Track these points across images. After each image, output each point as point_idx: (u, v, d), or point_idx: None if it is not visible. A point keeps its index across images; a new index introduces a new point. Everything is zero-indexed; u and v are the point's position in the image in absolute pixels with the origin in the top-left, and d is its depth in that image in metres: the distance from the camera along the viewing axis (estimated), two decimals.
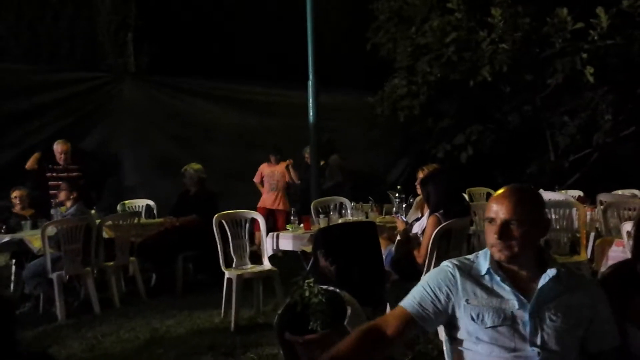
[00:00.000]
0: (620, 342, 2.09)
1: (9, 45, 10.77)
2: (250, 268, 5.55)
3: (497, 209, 2.07)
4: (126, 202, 8.17)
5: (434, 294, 2.09)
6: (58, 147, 7.36)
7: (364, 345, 1.98)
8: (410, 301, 2.10)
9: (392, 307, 4.80)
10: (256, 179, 9.19)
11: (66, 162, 7.37)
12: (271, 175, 9.03)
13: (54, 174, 7.36)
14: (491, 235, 2.06)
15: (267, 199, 9.02)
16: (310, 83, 8.10)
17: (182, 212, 7.03)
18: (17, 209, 6.72)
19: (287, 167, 8.98)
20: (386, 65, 10.69)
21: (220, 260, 5.44)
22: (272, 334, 4.44)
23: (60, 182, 6.69)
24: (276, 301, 5.55)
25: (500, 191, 2.13)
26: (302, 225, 5.94)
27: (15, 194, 6.76)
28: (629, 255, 4.52)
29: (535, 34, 9.27)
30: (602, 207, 6.30)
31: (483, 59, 9.29)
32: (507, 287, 2.06)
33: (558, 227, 5.81)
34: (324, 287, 3.43)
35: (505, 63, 9.16)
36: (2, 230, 6.19)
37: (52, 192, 7.12)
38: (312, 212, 6.73)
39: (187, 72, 10.57)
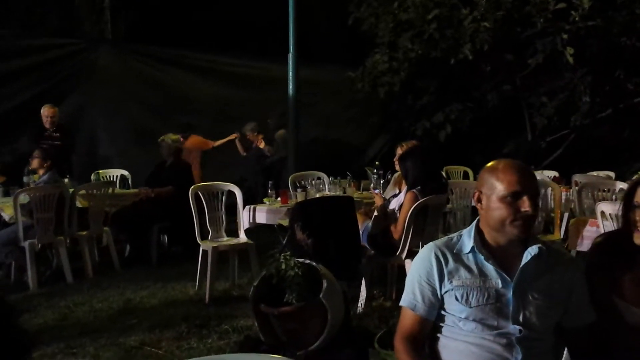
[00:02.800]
0: (594, 318, 2.11)
1: None
2: (226, 240, 5.52)
3: (524, 182, 1.99)
4: (100, 171, 8.08)
5: (431, 286, 2.09)
6: (45, 110, 7.26)
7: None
8: (419, 305, 2.10)
9: (367, 282, 4.83)
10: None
11: (52, 127, 7.22)
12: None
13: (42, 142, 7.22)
14: (515, 209, 1.99)
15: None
16: (290, 56, 8.01)
17: (157, 182, 6.95)
18: None
19: (235, 139, 9.25)
20: (368, 41, 10.60)
21: (196, 232, 5.39)
22: (246, 306, 4.44)
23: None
24: (251, 274, 5.53)
25: (508, 164, 2.04)
26: (279, 199, 5.92)
27: None
28: None
29: (517, 13, 9.24)
30: (577, 187, 6.37)
31: (465, 37, 9.24)
32: (490, 266, 2.06)
33: None
34: (300, 260, 3.44)
35: (487, 42, 9.13)
36: None
37: None
38: (290, 186, 6.71)
39: (165, 41, 10.36)
